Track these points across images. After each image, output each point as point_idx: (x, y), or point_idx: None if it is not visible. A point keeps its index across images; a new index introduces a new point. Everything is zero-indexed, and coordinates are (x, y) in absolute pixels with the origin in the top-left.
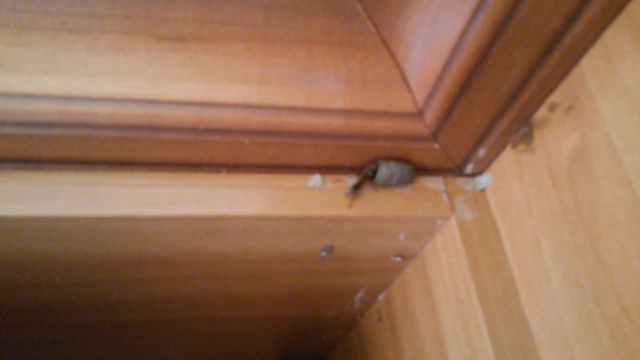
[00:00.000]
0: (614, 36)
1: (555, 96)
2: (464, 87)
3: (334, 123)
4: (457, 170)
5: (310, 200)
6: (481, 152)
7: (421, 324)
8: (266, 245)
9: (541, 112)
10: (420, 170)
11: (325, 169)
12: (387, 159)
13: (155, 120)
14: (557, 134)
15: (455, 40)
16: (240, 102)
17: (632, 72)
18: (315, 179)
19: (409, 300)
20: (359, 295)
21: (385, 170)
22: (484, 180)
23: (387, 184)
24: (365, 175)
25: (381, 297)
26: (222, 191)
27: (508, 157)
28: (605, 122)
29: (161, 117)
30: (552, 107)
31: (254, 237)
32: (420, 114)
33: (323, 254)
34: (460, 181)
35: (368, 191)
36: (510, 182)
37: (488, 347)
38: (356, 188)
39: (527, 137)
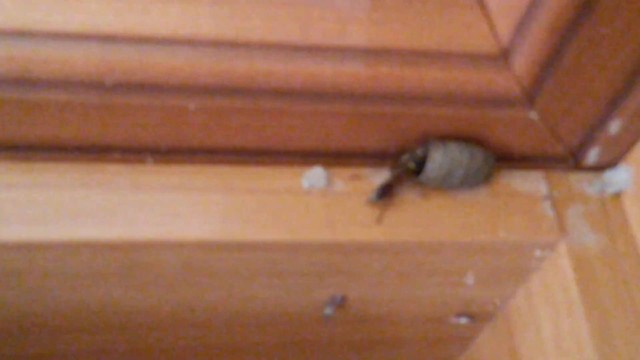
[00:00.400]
0: None
1: None
2: (584, 5)
3: (351, 72)
4: (570, 160)
5: (305, 212)
6: (614, 127)
7: None
8: (224, 297)
9: None
10: (504, 159)
11: (333, 158)
12: (444, 139)
13: (26, 68)
14: None
15: None
16: (181, 36)
17: None
18: (315, 175)
19: None
20: None
21: (440, 160)
22: (619, 177)
23: (444, 184)
24: (404, 169)
25: None
26: (146, 197)
27: None
28: None
29: (35, 63)
30: None
31: (202, 281)
32: (504, 56)
33: (328, 311)
34: (575, 179)
35: (408, 196)
36: None
37: None
38: (386, 192)
39: None
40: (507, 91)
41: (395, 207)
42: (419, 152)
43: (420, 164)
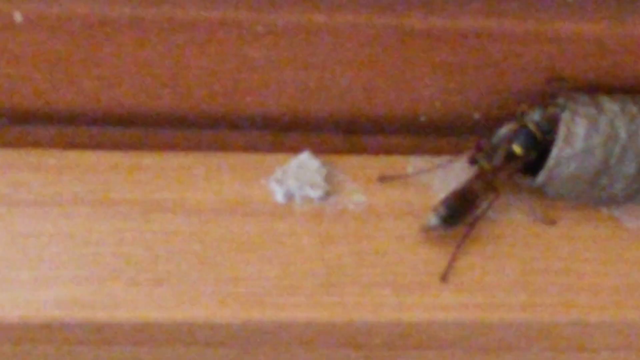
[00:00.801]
0: None
1: None
2: None
3: None
4: None
5: (275, 259)
6: None
7: None
8: None
9: None
10: None
11: (341, 133)
12: (591, 91)
13: None
14: None
15: None
16: None
17: None
18: (299, 173)
19: None
20: None
21: (583, 135)
22: None
23: (594, 192)
24: (503, 157)
25: None
26: None
27: None
28: None
29: None
30: None
31: None
32: None
33: None
34: None
35: (513, 218)
36: None
37: None
38: (462, 209)
39: None
40: None
41: (479, 243)
42: (535, 118)
43: (539, 147)
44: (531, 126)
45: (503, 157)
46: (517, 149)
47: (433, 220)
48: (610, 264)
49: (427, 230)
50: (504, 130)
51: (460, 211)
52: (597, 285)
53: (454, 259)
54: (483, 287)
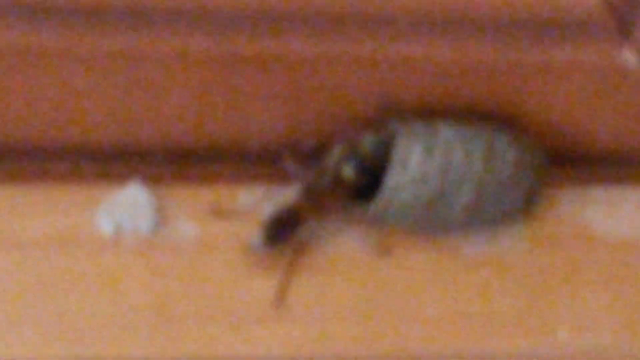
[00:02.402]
0: None
1: None
2: None
3: None
4: None
5: (102, 292)
6: None
7: None
8: None
9: None
10: (568, 161)
11: (168, 163)
12: (428, 114)
13: None
14: None
15: None
16: None
17: None
18: (127, 205)
19: None
20: None
21: (418, 161)
22: None
23: (430, 220)
24: (332, 182)
25: None
26: None
27: None
28: None
29: None
30: None
31: None
32: None
33: None
34: None
35: (346, 250)
36: None
37: None
38: (284, 230)
39: None
40: (579, 9)
41: (316, 273)
42: (366, 144)
43: (369, 173)
44: (361, 151)
45: (330, 179)
46: (345, 172)
47: (255, 239)
48: (447, 293)
49: (252, 250)
50: (335, 153)
51: (281, 230)
52: (436, 314)
53: (283, 285)
54: (319, 320)
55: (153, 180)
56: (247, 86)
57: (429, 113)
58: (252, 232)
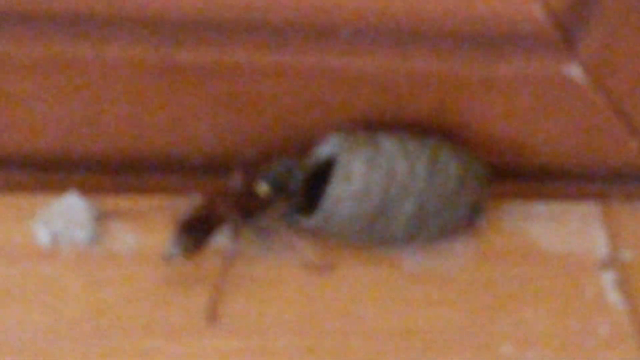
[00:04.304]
0: None
1: None
2: None
3: None
4: None
5: (36, 307)
6: None
7: None
8: None
9: None
10: (512, 175)
11: (102, 173)
12: (370, 125)
13: None
14: None
15: None
16: None
17: None
18: (65, 213)
19: None
20: None
21: (360, 174)
22: None
23: (370, 234)
24: (245, 195)
25: None
26: None
27: None
28: None
29: None
30: None
31: None
32: None
33: None
34: None
35: (282, 269)
36: None
37: None
38: (194, 244)
39: None
40: (524, 23)
41: (255, 285)
42: (283, 163)
43: (290, 189)
44: (279, 169)
45: (244, 192)
46: (262, 188)
47: (170, 248)
48: (389, 307)
49: (168, 260)
50: (264, 169)
51: (197, 237)
52: (376, 329)
53: (215, 298)
54: (258, 332)
55: (92, 190)
56: (187, 96)
57: (372, 126)
58: (165, 241)
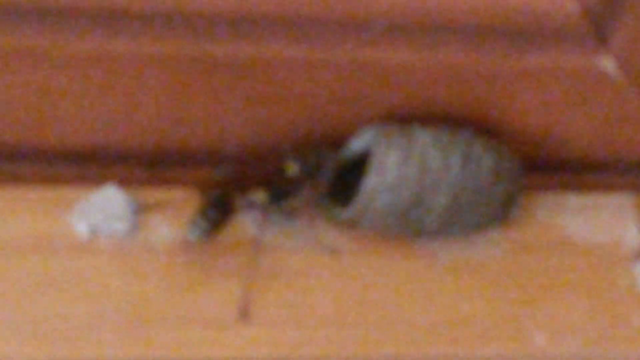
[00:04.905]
0: None
1: None
2: None
3: None
4: None
5: (80, 298)
6: None
7: None
8: None
9: None
10: (545, 169)
11: (149, 166)
12: (404, 119)
13: None
14: None
15: None
16: None
17: None
18: (104, 206)
19: None
20: None
21: (394, 166)
22: None
23: (402, 225)
24: (283, 181)
25: None
26: None
27: None
28: None
29: None
30: None
31: None
32: None
33: None
34: None
35: (317, 257)
36: None
37: None
38: (215, 223)
39: None
40: (556, 16)
41: (288, 276)
42: (316, 152)
43: (334, 176)
44: (309, 156)
45: (271, 172)
46: (291, 168)
47: (192, 232)
48: (424, 298)
49: (191, 243)
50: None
51: (216, 217)
52: (411, 319)
53: (247, 294)
54: (294, 323)
55: (129, 182)
56: (222, 90)
57: (406, 119)
58: (186, 227)
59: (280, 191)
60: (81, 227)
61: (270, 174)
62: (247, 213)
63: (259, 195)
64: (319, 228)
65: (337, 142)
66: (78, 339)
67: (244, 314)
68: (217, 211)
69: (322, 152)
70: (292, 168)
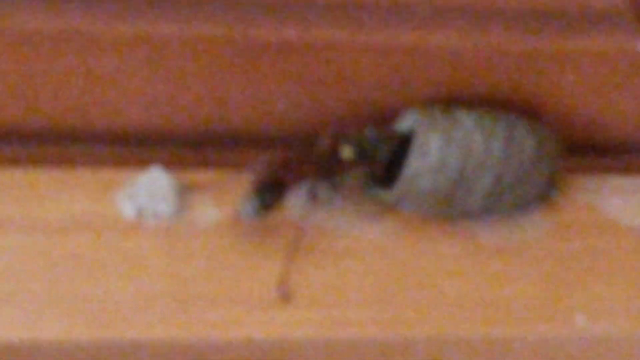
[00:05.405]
0: None
1: None
2: None
3: None
4: None
5: (127, 277)
6: None
7: None
8: None
9: None
10: (584, 151)
11: (190, 148)
12: (447, 102)
13: None
14: None
15: None
16: None
17: None
18: (150, 188)
19: None
20: None
21: (437, 149)
22: None
23: (445, 207)
24: (332, 161)
25: None
26: None
27: None
28: None
29: None
30: None
31: None
32: None
33: None
34: None
35: (361, 233)
36: None
37: None
38: (271, 202)
39: None
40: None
41: (330, 257)
42: (370, 132)
43: (370, 159)
44: (363, 138)
45: (327, 156)
46: (344, 152)
47: (246, 207)
48: (466, 279)
49: (243, 219)
50: (337, 135)
51: (272, 196)
52: (454, 300)
53: (286, 269)
54: (335, 303)
55: (175, 164)
56: (268, 73)
57: (449, 102)
58: (240, 200)
59: (332, 173)
60: (127, 209)
61: (325, 157)
62: (297, 195)
63: (345, 150)
64: (364, 208)
65: (381, 124)
66: (123, 320)
67: (285, 294)
68: (271, 192)
69: (375, 135)
70: (348, 151)
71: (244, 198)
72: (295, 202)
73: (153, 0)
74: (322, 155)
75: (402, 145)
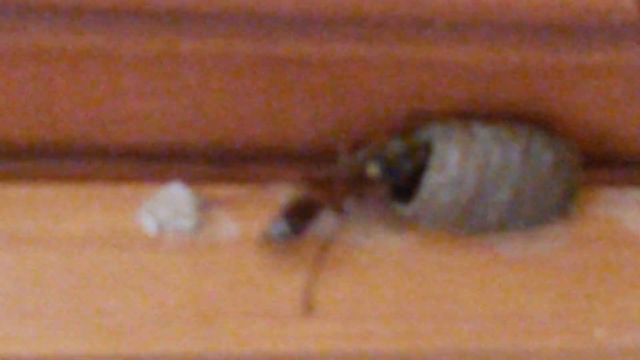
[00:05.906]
0: None
1: None
2: None
3: None
4: None
5: (149, 293)
6: None
7: None
8: None
9: None
10: (604, 164)
11: (206, 164)
12: (465, 116)
13: None
14: None
15: None
16: None
17: None
18: (171, 203)
19: None
20: None
21: (455, 163)
22: None
23: (465, 222)
24: (354, 177)
25: None
26: None
27: None
28: None
29: None
30: None
31: None
32: None
33: None
34: None
35: (382, 249)
36: None
37: None
38: (302, 226)
39: None
40: (617, 14)
41: (350, 270)
42: (395, 147)
43: (398, 174)
44: (388, 153)
45: (355, 175)
46: (371, 170)
47: (277, 229)
48: (485, 292)
49: (273, 241)
50: (363, 151)
51: (303, 219)
52: (473, 313)
53: (311, 283)
54: (357, 316)
55: (195, 180)
56: (287, 88)
57: (466, 115)
58: (270, 222)
59: (359, 190)
60: (148, 223)
61: (353, 175)
62: (327, 215)
63: (371, 168)
64: (385, 222)
65: (401, 138)
66: (144, 334)
67: (307, 308)
68: (300, 216)
69: (401, 149)
70: (374, 169)
71: (270, 222)
72: (319, 217)
73: (174, 16)
74: (350, 174)
75: (422, 159)
